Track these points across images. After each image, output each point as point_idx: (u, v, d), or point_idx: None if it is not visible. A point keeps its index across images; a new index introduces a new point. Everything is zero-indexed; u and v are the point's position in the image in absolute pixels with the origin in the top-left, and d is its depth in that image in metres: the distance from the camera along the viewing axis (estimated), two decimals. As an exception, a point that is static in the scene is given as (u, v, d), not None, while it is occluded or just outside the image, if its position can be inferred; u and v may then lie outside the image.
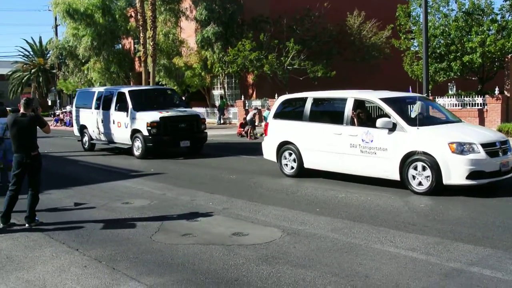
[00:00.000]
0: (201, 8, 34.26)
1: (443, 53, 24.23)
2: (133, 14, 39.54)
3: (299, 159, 12.57)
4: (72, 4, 36.18)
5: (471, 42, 23.12)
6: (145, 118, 17.51)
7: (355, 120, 11.61)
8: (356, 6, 35.13)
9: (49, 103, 61.19)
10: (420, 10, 24.29)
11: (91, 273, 6.28)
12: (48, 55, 61.95)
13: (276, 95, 31.49)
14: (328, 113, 12.78)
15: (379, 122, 10.76)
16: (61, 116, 42.86)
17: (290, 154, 12.81)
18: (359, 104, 11.97)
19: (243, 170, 14.44)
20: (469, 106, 23.72)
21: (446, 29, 24.02)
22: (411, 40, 27.29)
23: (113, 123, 18.94)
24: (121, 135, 18.67)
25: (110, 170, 15.42)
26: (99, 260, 6.71)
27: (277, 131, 13.24)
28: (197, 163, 16.48)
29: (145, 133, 17.41)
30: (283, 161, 13.04)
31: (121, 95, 18.76)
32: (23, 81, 65.82)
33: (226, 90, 38.75)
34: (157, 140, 17.43)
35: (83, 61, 40.74)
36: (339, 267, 6.23)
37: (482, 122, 22.84)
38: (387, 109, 11.02)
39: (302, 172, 12.62)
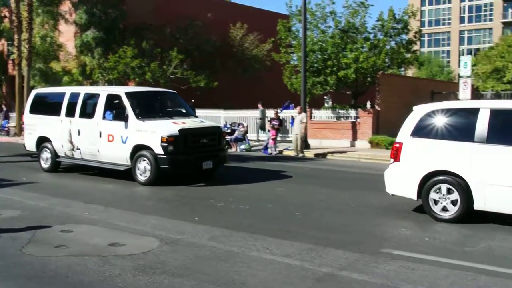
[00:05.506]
0: (81, 12, 33.16)
1: (320, 67, 25.30)
2: (7, 15, 37.41)
3: (465, 197, 8.76)
4: None
5: (346, 58, 24.37)
6: (158, 131, 13.11)
7: None
8: (239, 18, 35.83)
9: None
10: (299, 25, 25.24)
11: (-49, 290, 5.86)
12: None
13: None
14: None
15: None
16: None
17: (443, 190, 9.05)
18: None
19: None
20: (344, 118, 24.98)
21: (324, 45, 25.14)
22: (291, 54, 28.21)
23: (100, 135, 14.26)
24: (113, 153, 14.02)
25: (-23, 179, 14.41)
26: (-39, 275, 6.27)
27: (421, 155, 9.37)
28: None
29: (158, 150, 13.02)
30: (434, 200, 9.14)
31: (113, 99, 14.38)
32: None
33: (106, 97, 37.68)
34: (175, 161, 13.09)
35: None
36: (216, 275, 6.29)
37: (354, 134, 24.15)
38: None
39: (468, 215, 8.92)
